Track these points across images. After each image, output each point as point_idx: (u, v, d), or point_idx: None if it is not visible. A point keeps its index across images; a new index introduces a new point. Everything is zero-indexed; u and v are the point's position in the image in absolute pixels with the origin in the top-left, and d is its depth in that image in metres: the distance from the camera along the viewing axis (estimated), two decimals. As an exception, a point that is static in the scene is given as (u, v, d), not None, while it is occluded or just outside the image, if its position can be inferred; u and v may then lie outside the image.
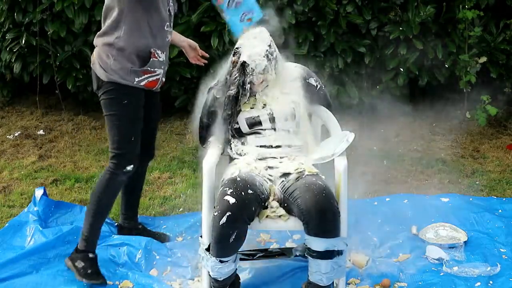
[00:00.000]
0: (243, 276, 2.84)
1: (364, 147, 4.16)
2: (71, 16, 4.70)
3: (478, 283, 2.80)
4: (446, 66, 4.85)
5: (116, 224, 3.34)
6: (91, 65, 2.83)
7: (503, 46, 4.79)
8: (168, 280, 2.91)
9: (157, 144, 4.46)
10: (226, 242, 2.46)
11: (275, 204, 2.63)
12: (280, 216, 2.60)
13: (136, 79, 2.77)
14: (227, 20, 2.77)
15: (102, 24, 2.79)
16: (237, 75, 2.77)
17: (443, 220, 3.35)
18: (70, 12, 4.70)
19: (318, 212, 2.45)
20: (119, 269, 2.98)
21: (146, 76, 2.79)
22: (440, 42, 4.82)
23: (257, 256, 2.80)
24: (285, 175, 2.67)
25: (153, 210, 3.62)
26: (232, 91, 2.77)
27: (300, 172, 2.65)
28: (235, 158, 2.80)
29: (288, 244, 3.14)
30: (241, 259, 2.69)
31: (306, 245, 2.52)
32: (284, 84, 2.86)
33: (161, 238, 3.25)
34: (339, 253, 2.50)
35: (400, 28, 4.73)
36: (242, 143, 2.82)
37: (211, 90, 2.90)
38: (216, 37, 4.62)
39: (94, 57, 2.81)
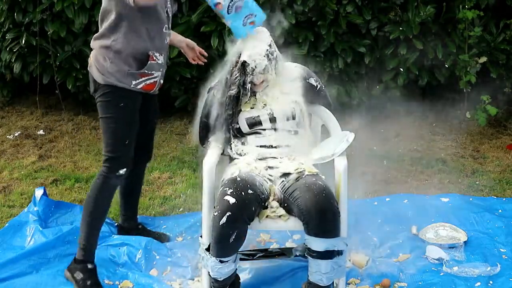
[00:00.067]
0: (243, 276, 2.84)
1: (364, 147, 4.16)
2: (71, 16, 4.70)
3: (478, 283, 2.80)
4: (446, 66, 4.85)
5: (116, 224, 3.34)
6: (88, 68, 2.81)
7: (503, 46, 4.79)
8: (168, 280, 2.91)
9: (157, 144, 4.49)
10: (226, 242, 2.46)
11: (275, 204, 2.63)
12: (280, 216, 2.60)
13: (133, 82, 2.74)
14: (229, 25, 2.74)
15: (99, 27, 2.76)
16: (237, 75, 2.77)
17: (443, 220, 3.35)
18: (70, 12, 4.70)
19: (318, 212, 2.45)
20: (119, 269, 2.98)
21: (143, 79, 2.76)
22: (440, 42, 4.82)
23: (257, 256, 2.80)
24: (285, 175, 2.67)
25: (153, 210, 3.62)
26: (233, 91, 2.77)
27: (300, 172, 2.65)
28: (235, 158, 2.80)
29: (288, 244, 3.14)
30: (241, 259, 2.70)
31: (306, 245, 2.52)
32: (284, 84, 2.86)
33: (161, 238, 3.25)
34: (339, 253, 2.50)
35: (400, 28, 4.73)
36: (242, 143, 2.82)
37: (211, 90, 2.89)
38: (216, 37, 4.62)
39: (91, 59, 2.78)
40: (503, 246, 3.11)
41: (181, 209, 3.64)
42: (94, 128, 4.90)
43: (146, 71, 2.76)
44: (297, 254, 2.74)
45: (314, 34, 4.75)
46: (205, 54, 3.19)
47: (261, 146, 2.78)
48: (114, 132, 2.78)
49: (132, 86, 2.75)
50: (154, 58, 2.76)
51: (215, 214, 2.46)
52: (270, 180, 2.69)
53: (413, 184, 3.94)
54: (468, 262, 2.99)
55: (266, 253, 2.86)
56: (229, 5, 2.62)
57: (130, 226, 3.26)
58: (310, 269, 2.54)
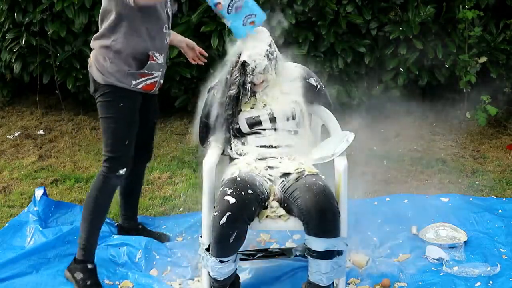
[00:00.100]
0: (243, 276, 2.84)
1: (364, 147, 4.16)
2: (71, 16, 4.70)
3: (478, 283, 2.80)
4: (446, 66, 4.85)
5: (116, 224, 3.34)
6: (88, 68, 2.80)
7: (503, 46, 4.79)
8: (168, 280, 2.91)
9: (157, 144, 4.49)
10: (226, 242, 2.46)
11: (275, 204, 2.63)
12: (280, 216, 2.60)
13: (133, 82, 2.74)
14: (229, 25, 2.73)
15: (99, 27, 2.76)
16: (237, 75, 2.77)
17: (443, 220, 3.35)
18: (70, 12, 4.70)
19: (318, 212, 2.45)
20: (119, 269, 2.98)
21: (143, 79, 2.76)
22: (440, 42, 4.82)
23: (257, 256, 2.80)
24: (285, 175, 2.67)
25: (153, 210, 3.62)
26: (233, 91, 2.77)
27: (300, 172, 2.65)
28: (235, 158, 2.80)
29: (288, 244, 3.14)
30: (241, 259, 2.69)
31: (306, 245, 2.52)
32: (284, 84, 2.86)
33: (161, 238, 3.25)
34: (339, 253, 2.50)
35: (400, 28, 4.73)
36: (242, 143, 2.82)
37: (211, 90, 2.89)
38: (216, 37, 4.62)
39: (91, 59, 2.78)
40: (503, 246, 3.11)
41: (181, 209, 3.64)
42: (94, 128, 4.90)
43: (146, 71, 2.76)
44: (297, 254, 2.74)
45: (314, 34, 4.75)
46: (205, 54, 3.19)
47: (261, 146, 2.78)
48: (114, 132, 2.78)
49: (132, 86, 2.74)
50: (154, 58, 2.76)
51: (215, 214, 2.46)
52: (270, 180, 2.69)
53: (413, 184, 3.94)
54: (468, 262, 2.99)
55: (266, 253, 2.86)
56: (229, 5, 2.62)
57: (130, 226, 3.26)
58: (310, 269, 2.54)
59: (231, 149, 2.83)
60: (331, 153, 2.69)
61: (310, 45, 4.74)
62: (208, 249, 2.56)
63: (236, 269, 2.62)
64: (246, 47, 2.76)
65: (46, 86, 5.12)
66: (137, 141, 2.89)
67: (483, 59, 4.73)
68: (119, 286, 2.86)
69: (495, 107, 4.62)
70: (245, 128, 2.81)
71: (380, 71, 4.91)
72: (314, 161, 2.76)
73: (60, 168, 4.21)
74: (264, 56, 2.74)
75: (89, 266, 2.82)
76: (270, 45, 2.79)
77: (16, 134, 4.81)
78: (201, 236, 2.65)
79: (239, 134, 2.83)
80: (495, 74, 4.83)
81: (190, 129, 4.63)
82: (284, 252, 2.82)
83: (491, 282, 2.81)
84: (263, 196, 2.59)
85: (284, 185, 2.64)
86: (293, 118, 2.81)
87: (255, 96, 2.83)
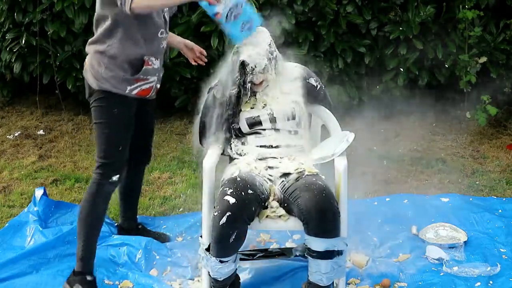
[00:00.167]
0: (243, 276, 2.84)
1: (364, 147, 4.16)
2: (71, 16, 4.70)
3: (478, 283, 2.80)
4: (446, 66, 4.85)
5: (116, 224, 3.34)
6: (83, 73, 2.77)
7: (503, 46, 4.79)
8: (168, 280, 2.91)
9: (157, 144, 4.49)
10: (226, 242, 2.46)
11: (275, 204, 2.63)
12: (280, 216, 2.60)
13: (128, 88, 2.71)
14: (227, 32, 2.74)
15: (94, 31, 2.73)
16: (237, 74, 2.77)
17: (443, 220, 3.35)
18: (70, 12, 4.69)
19: (318, 212, 2.45)
20: (119, 269, 2.98)
21: (138, 84, 2.73)
22: (440, 42, 4.82)
23: (257, 256, 2.80)
24: (285, 175, 2.67)
25: (153, 210, 3.62)
26: (234, 91, 2.77)
27: (300, 172, 2.65)
28: (235, 158, 2.80)
29: (288, 244, 3.14)
30: (241, 259, 2.69)
31: (306, 245, 2.52)
32: (284, 84, 2.86)
33: (161, 238, 3.24)
34: (339, 253, 2.50)
35: (400, 28, 4.73)
36: (242, 143, 2.82)
37: (211, 90, 2.89)
38: (216, 37, 4.62)
39: (86, 64, 2.75)
40: (503, 246, 3.11)
41: (181, 209, 3.64)
42: (94, 128, 4.90)
43: (141, 76, 2.72)
44: (297, 254, 2.74)
45: (314, 34, 4.75)
46: (205, 53, 3.18)
47: (261, 146, 2.78)
48: (107, 137, 2.74)
49: (127, 91, 2.71)
50: (150, 63, 2.73)
51: (215, 214, 2.46)
52: (270, 180, 2.69)
53: (413, 184, 3.94)
54: (468, 262, 2.99)
55: (266, 253, 2.86)
56: (227, 14, 2.63)
57: (130, 226, 3.26)
58: (310, 269, 2.54)
59: (231, 149, 2.83)
60: (331, 153, 2.69)
61: (310, 45, 4.74)
62: (208, 249, 2.56)
63: (236, 269, 2.62)
64: (246, 47, 2.76)
65: (46, 86, 5.12)
66: (136, 143, 2.88)
67: (483, 59, 4.72)
68: (119, 286, 2.86)
69: (495, 107, 4.62)
70: (245, 128, 2.81)
71: (380, 71, 4.91)
72: (314, 161, 2.76)
73: (60, 168, 4.21)
74: (264, 56, 2.74)
75: (88, 278, 2.76)
76: (270, 45, 2.79)
77: (16, 134, 4.81)
78: (201, 236, 2.65)
79: (239, 134, 2.83)
80: (495, 74, 4.83)
81: (190, 129, 4.63)
82: (284, 252, 2.82)
83: (491, 282, 2.81)
84: (263, 196, 2.59)
85: (284, 185, 2.64)
86: (293, 118, 2.81)
87: (255, 96, 2.84)
